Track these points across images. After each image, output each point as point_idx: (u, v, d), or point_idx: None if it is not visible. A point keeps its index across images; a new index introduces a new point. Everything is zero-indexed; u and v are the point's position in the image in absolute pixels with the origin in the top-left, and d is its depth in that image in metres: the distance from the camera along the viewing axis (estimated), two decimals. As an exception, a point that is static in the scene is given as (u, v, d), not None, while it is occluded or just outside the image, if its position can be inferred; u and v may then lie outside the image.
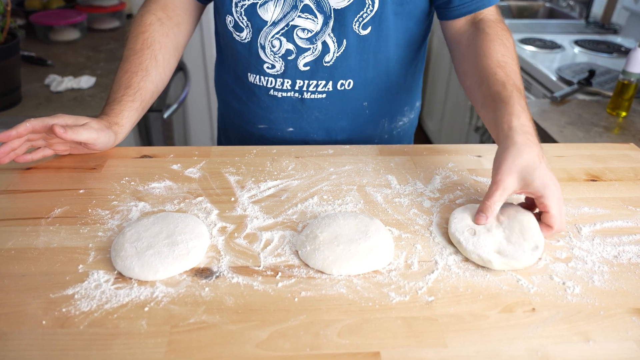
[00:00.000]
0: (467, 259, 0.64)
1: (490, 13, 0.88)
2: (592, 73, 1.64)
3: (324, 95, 0.94)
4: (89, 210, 0.70)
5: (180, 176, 0.79)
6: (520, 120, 0.69)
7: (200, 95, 2.51)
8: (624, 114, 1.42)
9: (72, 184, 0.76)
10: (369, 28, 0.87)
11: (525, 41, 2.12)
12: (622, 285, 0.60)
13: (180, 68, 1.91)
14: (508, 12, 2.76)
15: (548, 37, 2.20)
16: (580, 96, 1.59)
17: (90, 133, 0.76)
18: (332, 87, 0.93)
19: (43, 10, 1.94)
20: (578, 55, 2.02)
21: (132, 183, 0.77)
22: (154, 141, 1.57)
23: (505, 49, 0.81)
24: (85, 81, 1.48)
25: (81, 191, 0.75)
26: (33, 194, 0.74)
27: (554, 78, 1.76)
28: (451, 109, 2.74)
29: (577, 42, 2.14)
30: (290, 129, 0.98)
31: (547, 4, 2.83)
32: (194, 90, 2.43)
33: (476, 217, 0.67)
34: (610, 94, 1.52)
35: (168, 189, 0.76)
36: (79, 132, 0.75)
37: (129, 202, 0.72)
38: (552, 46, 2.08)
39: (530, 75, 1.92)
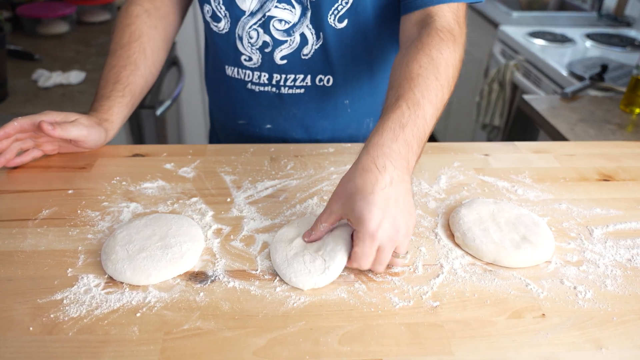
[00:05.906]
0: (473, 263, 0.63)
1: (443, 16, 0.75)
2: (604, 68, 1.62)
3: (302, 91, 0.91)
4: (79, 211, 0.69)
5: (173, 176, 0.78)
6: (383, 138, 0.60)
7: (194, 92, 2.48)
8: (637, 110, 1.40)
9: (61, 184, 0.75)
10: (345, 21, 0.84)
11: (535, 34, 2.09)
12: (636, 290, 0.59)
13: (174, 63, 1.89)
14: (517, 4, 2.72)
15: (558, 30, 2.17)
16: (592, 92, 1.57)
17: (80, 130, 0.75)
18: (311, 82, 0.90)
19: (30, 2, 1.92)
20: (590, 49, 1.99)
21: (124, 183, 0.76)
22: (146, 139, 1.56)
23: (430, 60, 0.69)
24: (75, 76, 1.46)
25: (70, 191, 0.74)
26: (20, 194, 0.73)
27: (564, 73, 1.73)
28: (457, 105, 2.73)
29: (589, 36, 2.10)
30: (268, 126, 0.97)
31: (558, -4, 2.80)
32: (188, 87, 2.42)
33: (304, 234, 0.63)
34: (624, 89, 1.50)
35: (161, 189, 0.75)
36: (68, 129, 0.73)
37: (120, 203, 0.72)
38: (563, 40, 2.05)
39: (539, 71, 1.89)
